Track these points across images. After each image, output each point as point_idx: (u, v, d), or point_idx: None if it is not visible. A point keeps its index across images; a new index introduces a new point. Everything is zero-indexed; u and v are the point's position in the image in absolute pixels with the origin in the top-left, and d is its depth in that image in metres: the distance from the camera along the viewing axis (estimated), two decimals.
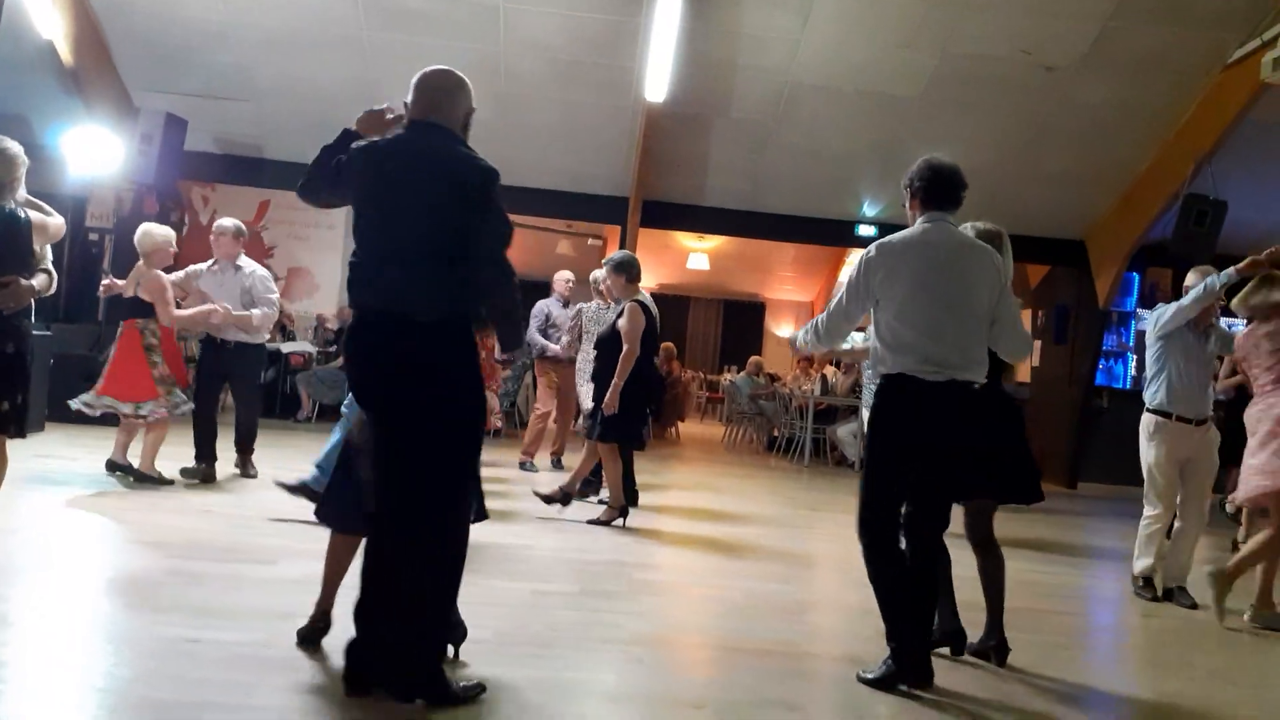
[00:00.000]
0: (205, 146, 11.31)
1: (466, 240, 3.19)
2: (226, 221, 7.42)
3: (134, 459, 6.79)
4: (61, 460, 7.17)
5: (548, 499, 6.95)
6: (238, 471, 7.36)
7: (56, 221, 4.76)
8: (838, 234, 12.64)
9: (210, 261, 7.35)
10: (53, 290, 4.60)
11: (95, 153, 9.93)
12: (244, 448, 7.42)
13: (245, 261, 7.38)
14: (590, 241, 18.11)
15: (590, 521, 6.75)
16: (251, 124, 11.12)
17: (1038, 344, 13.23)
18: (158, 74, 10.53)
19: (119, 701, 3.02)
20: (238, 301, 7.16)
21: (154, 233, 6.85)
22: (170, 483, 6.74)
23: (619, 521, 6.78)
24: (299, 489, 4.93)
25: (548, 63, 10.29)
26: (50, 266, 4.60)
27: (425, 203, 3.20)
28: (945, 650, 4.24)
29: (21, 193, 4.51)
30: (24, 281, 4.34)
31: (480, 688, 3.27)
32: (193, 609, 4.03)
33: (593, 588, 4.93)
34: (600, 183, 11.57)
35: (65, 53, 9.79)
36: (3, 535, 4.37)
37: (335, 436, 4.96)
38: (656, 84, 10.00)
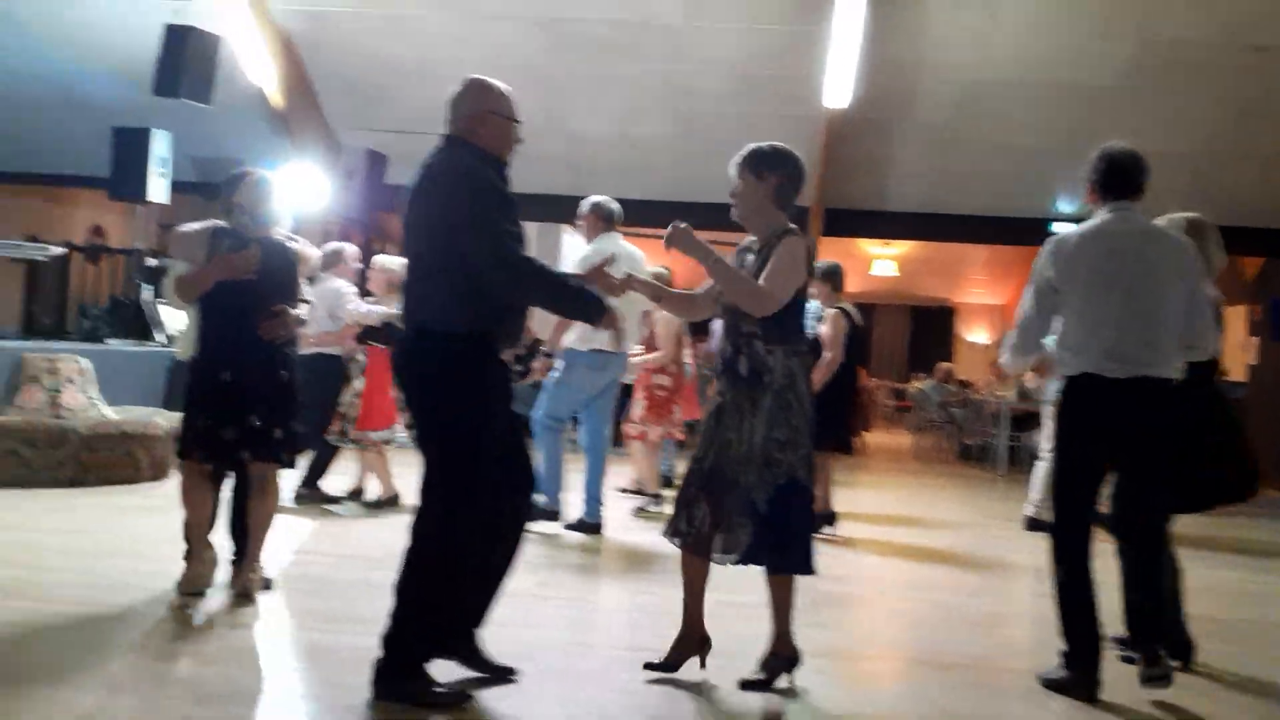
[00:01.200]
0: (405, 179, 11.87)
1: (445, 247, 3.26)
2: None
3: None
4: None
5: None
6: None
7: (315, 253, 4.99)
8: (1031, 233, 12.14)
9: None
10: (308, 321, 4.72)
11: (303, 190, 10.60)
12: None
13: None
14: None
15: None
16: None
17: (1255, 341, 12.38)
18: (359, 113, 11.17)
19: (321, 709, 3.23)
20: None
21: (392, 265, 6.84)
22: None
23: (826, 530, 6.61)
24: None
25: (728, 78, 10.36)
26: (308, 297, 4.75)
27: (409, 218, 3.38)
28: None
29: (284, 224, 4.60)
30: (293, 311, 4.42)
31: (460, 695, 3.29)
32: (377, 619, 4.24)
33: None
34: None
35: (275, 97, 10.52)
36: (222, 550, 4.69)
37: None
38: (838, 91, 9.92)
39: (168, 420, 7.29)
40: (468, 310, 3.27)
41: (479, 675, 3.45)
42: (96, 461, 6.93)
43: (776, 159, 3.67)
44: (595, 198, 6.38)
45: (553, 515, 6.11)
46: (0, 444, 6.71)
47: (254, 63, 10.16)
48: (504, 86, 3.52)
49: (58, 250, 9.90)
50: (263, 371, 4.32)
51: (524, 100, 3.64)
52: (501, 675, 3.48)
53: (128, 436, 7.12)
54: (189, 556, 4.37)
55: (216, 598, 4.39)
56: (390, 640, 3.28)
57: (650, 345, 7.21)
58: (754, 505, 3.49)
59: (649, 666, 3.64)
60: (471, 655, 3.48)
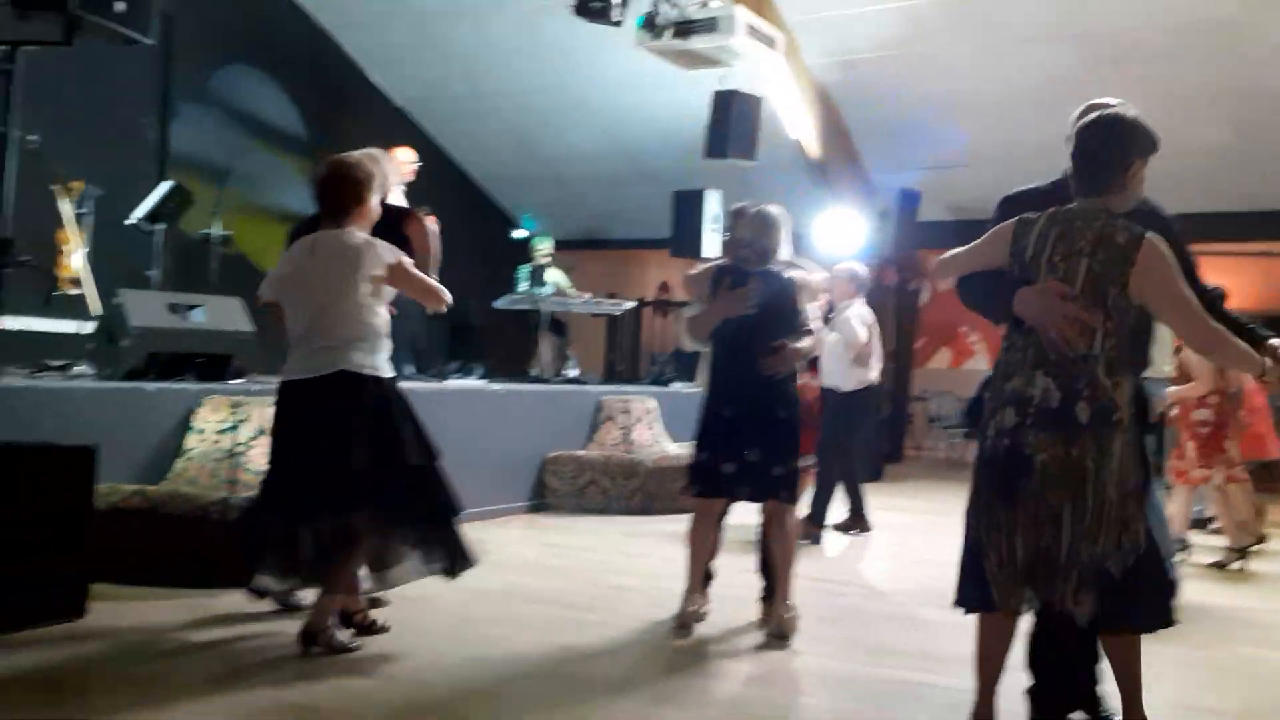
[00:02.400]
0: (938, 215, 11.88)
1: None
2: (848, 265, 7.43)
3: None
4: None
5: None
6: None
7: (817, 278, 4.88)
8: None
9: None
10: (816, 352, 4.66)
11: (841, 234, 11.00)
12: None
13: (857, 308, 7.18)
14: None
15: None
16: (980, 189, 11.41)
17: None
18: (892, 153, 11.38)
19: None
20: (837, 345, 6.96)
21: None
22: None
23: None
24: None
25: None
26: (814, 326, 4.64)
27: None
28: None
29: (784, 254, 4.54)
30: (791, 345, 4.35)
31: None
32: (918, 653, 4.26)
33: None
34: None
35: (813, 147, 11.06)
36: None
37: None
38: None
39: None
40: None
41: None
42: (661, 491, 7.72)
43: None
44: None
45: None
46: (584, 475, 7.76)
47: (792, 116, 10.77)
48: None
49: (630, 305, 11.17)
50: (761, 408, 4.32)
51: (1057, 123, 3.49)
52: None
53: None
54: (685, 594, 4.46)
55: (752, 635, 4.49)
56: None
57: (1184, 376, 6.42)
58: None
59: None
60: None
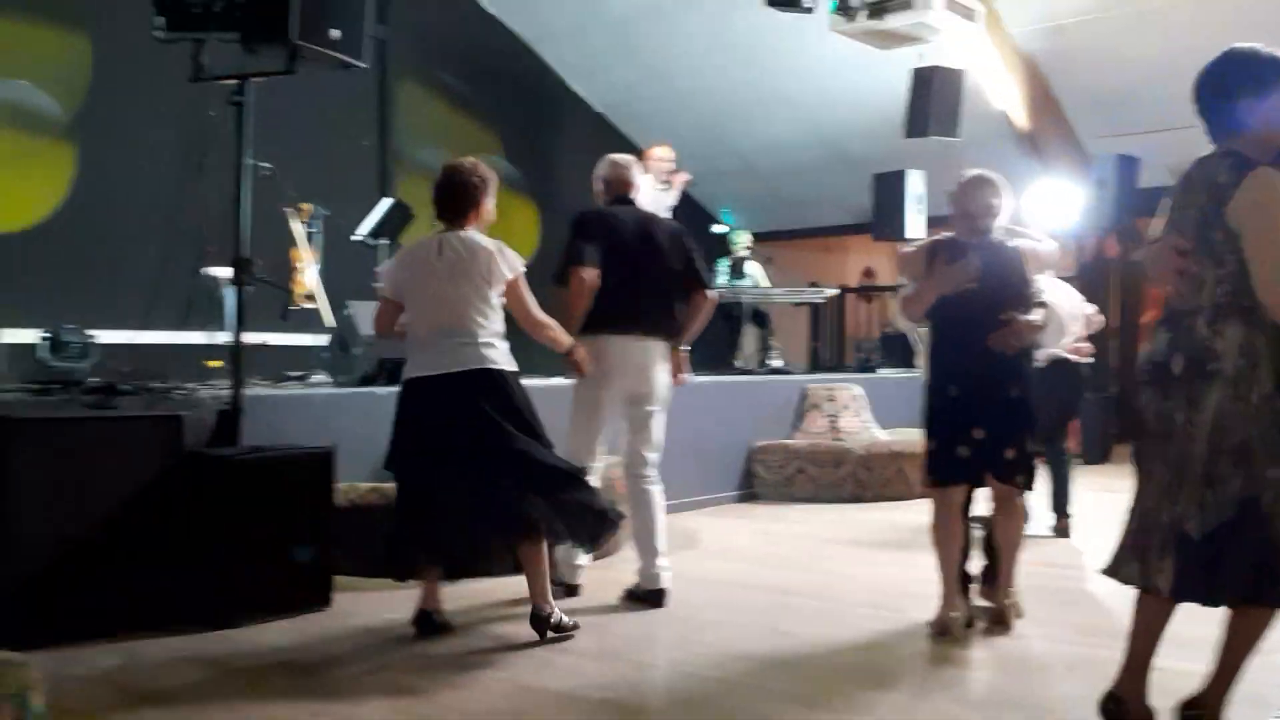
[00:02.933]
0: (1160, 181, 11.15)
1: None
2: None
3: None
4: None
5: None
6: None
7: (1047, 248, 4.62)
8: None
9: None
10: (1047, 326, 4.37)
11: (1054, 206, 10.52)
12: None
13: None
14: None
15: None
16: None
17: None
18: (1106, 119, 10.81)
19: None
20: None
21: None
22: None
23: None
24: None
25: None
26: (1047, 299, 4.37)
27: None
28: None
29: (1004, 222, 4.36)
30: (1021, 318, 4.10)
31: None
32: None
33: None
34: None
35: (1020, 118, 10.64)
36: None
37: None
38: None
39: None
40: None
41: None
42: (872, 479, 7.63)
43: None
44: None
45: None
46: (791, 464, 7.75)
47: (997, 88, 10.40)
48: None
49: (833, 292, 11.04)
50: (990, 386, 4.06)
51: None
52: None
53: (898, 456, 7.72)
54: (941, 597, 4.17)
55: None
56: None
57: None
58: None
59: None
60: None
